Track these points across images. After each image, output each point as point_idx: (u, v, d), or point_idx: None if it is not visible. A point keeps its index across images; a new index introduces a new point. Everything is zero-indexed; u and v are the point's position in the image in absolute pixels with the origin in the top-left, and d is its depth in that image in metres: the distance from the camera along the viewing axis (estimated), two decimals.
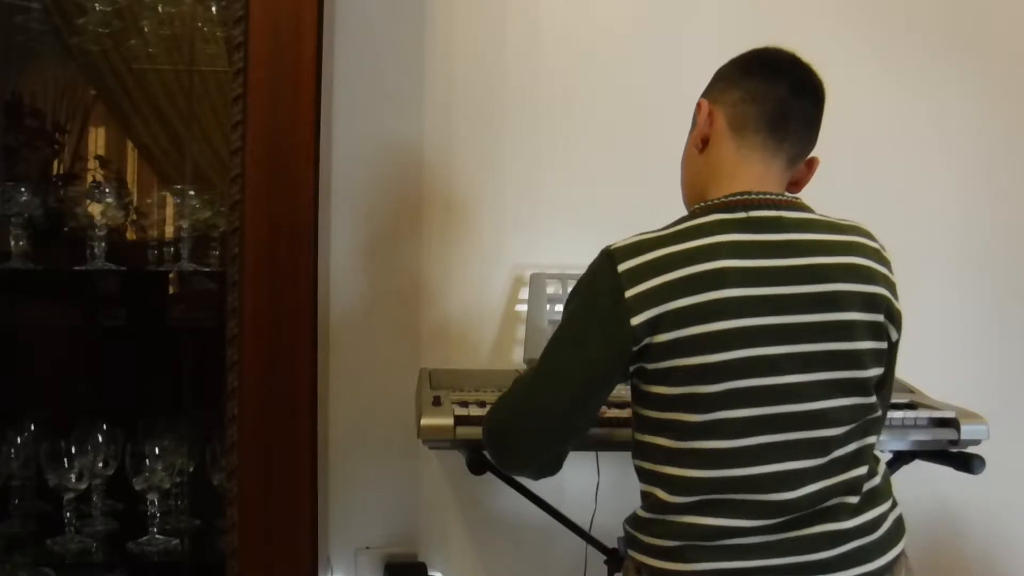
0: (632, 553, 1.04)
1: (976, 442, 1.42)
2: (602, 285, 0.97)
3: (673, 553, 0.98)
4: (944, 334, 1.91)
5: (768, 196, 1.00)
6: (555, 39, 1.84)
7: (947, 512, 1.94)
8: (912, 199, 1.91)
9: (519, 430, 1.04)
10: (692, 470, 0.96)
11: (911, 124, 1.93)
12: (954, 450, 1.43)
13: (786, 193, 1.04)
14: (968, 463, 1.40)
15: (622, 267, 0.95)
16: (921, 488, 1.72)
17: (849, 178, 1.71)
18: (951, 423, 1.41)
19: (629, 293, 0.94)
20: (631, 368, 0.98)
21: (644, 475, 1.03)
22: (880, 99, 1.90)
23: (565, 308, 1.03)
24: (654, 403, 0.99)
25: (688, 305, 0.93)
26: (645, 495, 1.03)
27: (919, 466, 1.47)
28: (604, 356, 0.97)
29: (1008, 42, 1.98)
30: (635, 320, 0.93)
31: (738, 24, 1.82)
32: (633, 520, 1.04)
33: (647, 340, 0.94)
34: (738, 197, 1.00)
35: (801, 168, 1.08)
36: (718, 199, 1.01)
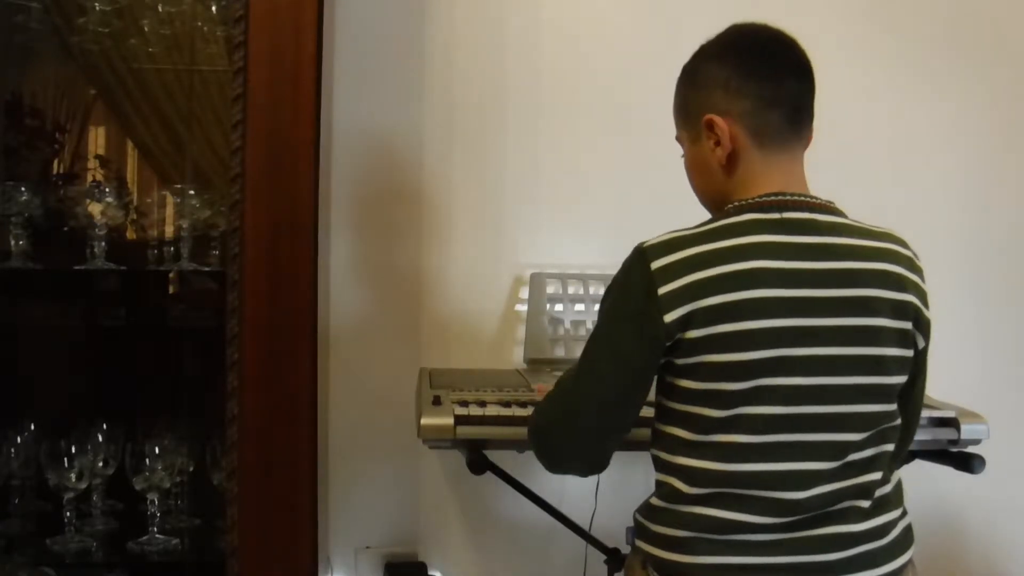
0: (639, 543, 1.04)
1: (976, 442, 1.42)
2: (635, 282, 0.97)
3: (681, 544, 0.98)
4: (944, 333, 1.90)
5: (801, 198, 1.00)
6: (556, 37, 1.83)
7: (947, 511, 1.94)
8: (913, 199, 1.91)
9: (564, 430, 1.04)
10: (708, 462, 0.96)
11: (906, 124, 1.94)
12: (954, 450, 1.43)
13: (818, 195, 1.03)
14: (968, 463, 1.40)
15: (655, 264, 0.95)
16: (921, 487, 1.72)
17: (845, 179, 1.71)
18: (951, 423, 1.41)
19: (662, 290, 0.94)
20: (661, 361, 0.99)
21: (661, 465, 1.03)
22: (875, 99, 1.90)
23: (600, 306, 1.04)
24: (678, 395, 0.99)
25: (720, 303, 0.93)
26: (660, 484, 1.03)
27: (919, 465, 1.47)
28: (639, 352, 0.97)
29: (1007, 42, 1.97)
30: (668, 317, 0.94)
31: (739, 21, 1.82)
32: (645, 508, 1.05)
33: (678, 336, 0.95)
34: (772, 198, 0.99)
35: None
36: (752, 199, 1.00)
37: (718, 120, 1.02)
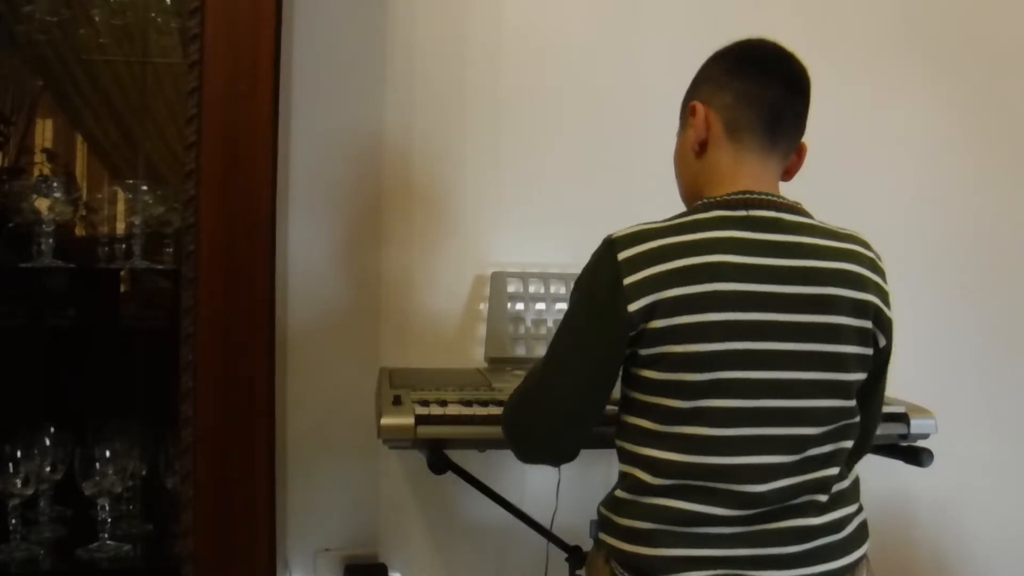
0: (603, 536, 1.05)
1: (925, 436, 1.46)
2: (603, 273, 0.99)
3: (645, 537, 0.99)
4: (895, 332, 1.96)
5: (769, 197, 1.02)
6: (517, 35, 1.83)
7: (898, 502, 2.00)
8: (862, 199, 1.96)
9: (533, 421, 1.06)
10: (672, 454, 0.98)
11: (865, 126, 1.98)
12: (904, 444, 1.47)
13: (785, 196, 1.05)
14: (917, 456, 1.44)
15: (622, 255, 0.97)
16: (873, 480, 1.77)
17: (804, 178, 1.74)
18: (901, 418, 1.45)
19: (627, 280, 0.96)
20: (627, 352, 1.00)
21: (625, 456, 1.05)
22: (834, 100, 1.93)
23: (570, 296, 1.05)
24: (642, 386, 1.01)
25: (683, 295, 0.95)
26: (624, 475, 1.04)
27: (871, 459, 1.50)
28: (605, 342, 0.99)
29: (968, 45, 2.02)
30: (632, 307, 0.95)
31: (700, 22, 1.84)
32: (610, 501, 1.06)
33: (642, 326, 0.96)
34: (740, 196, 1.02)
35: (792, 158, 1.09)
36: (720, 196, 1.02)
37: (698, 106, 1.07)
